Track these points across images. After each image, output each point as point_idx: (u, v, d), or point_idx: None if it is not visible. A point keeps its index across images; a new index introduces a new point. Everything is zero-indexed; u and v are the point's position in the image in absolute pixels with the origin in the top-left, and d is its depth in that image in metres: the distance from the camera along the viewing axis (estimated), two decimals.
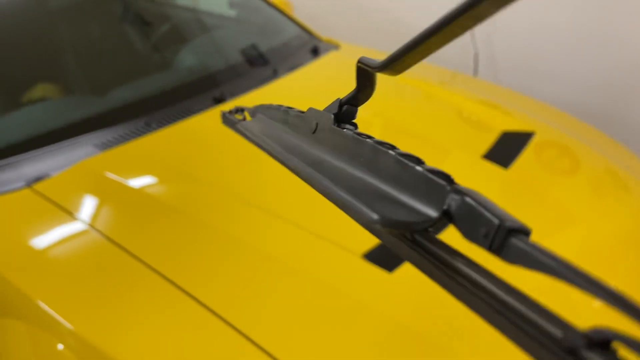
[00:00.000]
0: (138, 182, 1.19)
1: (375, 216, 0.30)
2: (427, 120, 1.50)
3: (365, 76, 0.39)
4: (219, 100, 1.47)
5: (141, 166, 1.25)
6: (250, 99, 1.49)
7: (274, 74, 1.64)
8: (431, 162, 1.16)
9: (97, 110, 1.42)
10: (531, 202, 1.20)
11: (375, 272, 0.92)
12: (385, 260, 0.95)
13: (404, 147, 1.27)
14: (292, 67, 1.70)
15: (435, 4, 2.50)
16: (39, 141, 1.28)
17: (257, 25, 2.05)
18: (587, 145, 1.42)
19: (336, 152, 0.40)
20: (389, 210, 0.31)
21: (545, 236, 1.12)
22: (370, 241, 0.98)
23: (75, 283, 0.96)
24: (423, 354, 0.83)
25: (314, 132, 0.44)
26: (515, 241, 0.26)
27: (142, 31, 1.83)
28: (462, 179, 1.07)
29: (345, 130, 0.40)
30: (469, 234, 0.28)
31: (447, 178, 0.31)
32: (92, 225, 1.04)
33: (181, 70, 1.69)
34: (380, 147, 0.35)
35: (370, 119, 1.47)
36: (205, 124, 1.39)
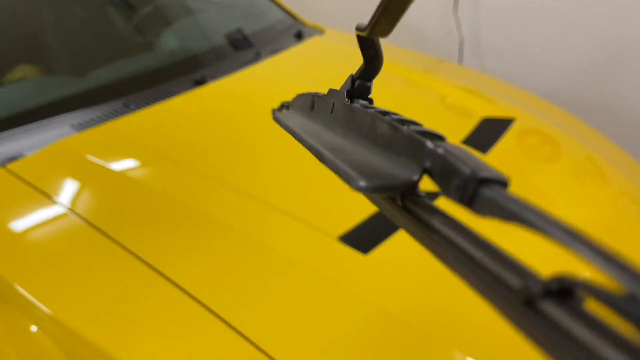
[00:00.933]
0: (115, 163, 1.17)
1: (361, 182, 0.30)
2: (409, 106, 1.50)
3: (368, 45, 0.39)
4: (200, 82, 1.46)
5: (118, 147, 1.23)
6: (231, 82, 1.48)
7: (257, 57, 1.63)
8: None
9: (74, 90, 1.40)
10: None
11: (351, 254, 0.92)
12: (361, 242, 0.95)
13: None
14: (275, 51, 1.68)
15: (438, 2, 2.49)
16: (14, 121, 1.26)
17: (241, 8, 2.02)
18: (567, 133, 1.43)
19: (346, 127, 0.40)
20: (377, 175, 0.31)
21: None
22: (347, 223, 0.99)
23: (51, 265, 0.95)
24: (400, 336, 0.83)
25: (331, 111, 0.45)
26: (485, 191, 0.26)
27: (124, 12, 1.81)
28: None
29: (353, 104, 0.40)
30: (446, 190, 0.28)
31: (437, 137, 0.31)
32: (69, 207, 1.03)
33: (162, 52, 1.67)
34: (378, 115, 0.36)
35: None
36: (185, 106, 1.37)
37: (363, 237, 0.96)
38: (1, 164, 1.13)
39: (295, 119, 0.50)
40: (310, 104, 0.50)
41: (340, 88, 0.44)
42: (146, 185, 1.12)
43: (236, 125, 1.32)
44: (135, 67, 1.54)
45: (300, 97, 0.55)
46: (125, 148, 1.23)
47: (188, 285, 0.86)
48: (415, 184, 0.30)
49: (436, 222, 0.29)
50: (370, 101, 0.42)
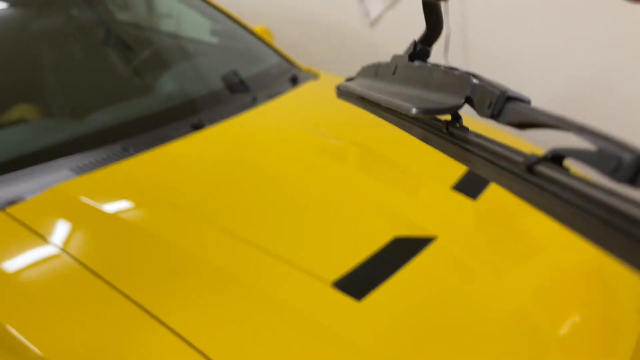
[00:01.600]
0: (112, 207, 1.20)
1: (414, 109, 0.41)
2: (404, 149, 1.53)
3: (431, 11, 0.48)
4: (198, 127, 1.49)
5: (116, 191, 1.26)
6: (228, 126, 1.52)
7: (253, 102, 1.67)
8: (408, 191, 1.20)
9: (74, 133, 1.44)
10: (498, 233, 1.23)
11: (344, 300, 0.94)
12: (355, 288, 0.97)
13: (382, 176, 1.31)
14: (271, 95, 1.73)
15: (410, 32, 2.58)
16: (14, 164, 1.28)
17: (237, 52, 2.08)
18: None
19: (404, 81, 0.49)
20: (427, 105, 0.42)
21: (511, 265, 1.15)
22: (341, 268, 1.01)
23: (45, 308, 0.96)
24: None
25: (393, 73, 0.53)
26: (511, 105, 0.35)
27: (123, 55, 1.86)
28: (433, 210, 1.11)
29: (413, 62, 0.49)
30: (481, 110, 0.38)
31: (477, 77, 0.42)
32: (65, 250, 1.05)
33: (161, 96, 1.72)
34: (434, 66, 0.46)
35: (348, 148, 1.51)
36: (183, 151, 1.40)
37: (357, 283, 0.98)
38: (1, 208, 1.15)
39: (359, 85, 0.58)
40: (373, 72, 0.57)
41: (404, 52, 0.53)
42: (142, 229, 1.14)
43: (232, 170, 1.35)
44: (134, 110, 1.58)
45: (364, 68, 0.62)
46: (123, 192, 1.25)
47: (181, 328, 0.87)
48: (459, 107, 0.40)
49: (471, 137, 0.40)
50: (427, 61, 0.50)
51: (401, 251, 1.07)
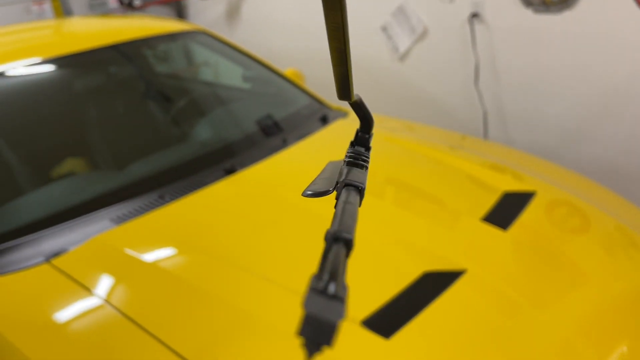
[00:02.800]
0: (151, 256, 1.24)
1: (307, 192, 0.49)
2: (435, 184, 1.53)
3: (356, 107, 0.54)
4: (230, 171, 1.54)
5: (154, 240, 1.30)
6: (259, 169, 1.56)
7: (284, 144, 1.71)
8: (438, 224, 1.20)
9: (114, 185, 1.50)
10: (533, 263, 1.20)
11: (373, 339, 0.94)
12: (383, 326, 0.96)
13: (412, 210, 1.31)
14: (301, 136, 1.77)
15: (438, 63, 2.58)
16: (58, 217, 1.35)
17: (269, 96, 2.15)
18: (590, 203, 1.43)
19: (340, 165, 0.55)
20: (318, 188, 0.49)
21: (550, 295, 1.12)
22: (370, 307, 1.01)
23: (90, 356, 0.99)
24: None
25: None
26: (344, 191, 0.45)
27: (160, 106, 1.94)
28: (463, 243, 1.11)
29: (349, 150, 0.55)
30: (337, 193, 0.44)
31: (361, 166, 0.50)
32: (107, 301, 1.09)
33: (194, 143, 1.78)
34: (347, 154, 0.53)
35: (378, 184, 1.52)
36: (217, 196, 1.45)
37: (386, 321, 0.98)
38: (47, 260, 1.22)
39: (333, 164, 0.63)
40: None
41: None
42: (179, 277, 1.17)
43: (265, 213, 1.38)
44: (169, 159, 1.64)
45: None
46: (160, 240, 1.30)
47: None
48: (330, 192, 0.48)
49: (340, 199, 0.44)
50: (368, 149, 0.56)
51: (431, 286, 1.07)
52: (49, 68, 1.74)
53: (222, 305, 1.07)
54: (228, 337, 1.00)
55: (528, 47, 2.28)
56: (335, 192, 0.49)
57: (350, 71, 0.44)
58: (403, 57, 2.74)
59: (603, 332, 1.06)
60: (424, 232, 1.27)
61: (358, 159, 0.52)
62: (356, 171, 0.48)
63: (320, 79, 2.95)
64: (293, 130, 1.81)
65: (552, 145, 2.35)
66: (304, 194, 0.48)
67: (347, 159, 0.51)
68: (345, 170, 0.48)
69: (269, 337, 0.99)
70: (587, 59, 2.13)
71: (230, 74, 2.31)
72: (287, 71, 2.27)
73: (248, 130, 1.80)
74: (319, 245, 1.22)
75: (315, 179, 0.54)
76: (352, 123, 1.91)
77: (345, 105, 2.09)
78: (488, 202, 1.35)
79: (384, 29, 2.75)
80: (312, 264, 1.19)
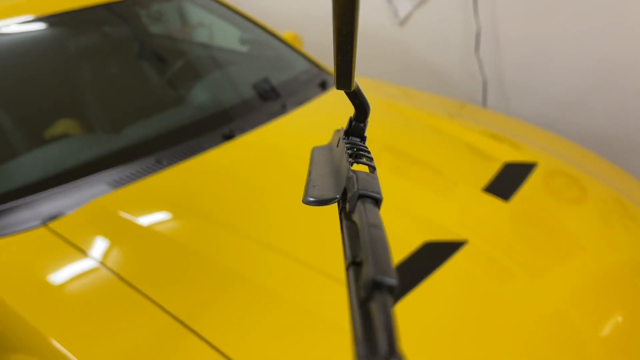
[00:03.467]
0: (147, 220, 1.23)
1: (309, 198, 0.41)
2: (434, 153, 1.52)
3: (352, 96, 0.47)
4: (229, 137, 1.52)
5: (151, 204, 1.29)
6: (258, 135, 1.54)
7: (283, 109, 1.69)
8: (438, 194, 1.19)
9: (110, 148, 1.48)
10: (533, 233, 1.21)
11: None
12: None
13: (413, 179, 1.30)
14: (301, 102, 1.74)
15: (439, 30, 2.54)
16: (55, 180, 1.33)
17: (267, 60, 2.11)
18: (590, 175, 1.43)
19: (337, 158, 0.49)
20: (323, 193, 0.42)
21: (549, 265, 1.13)
22: None
23: (86, 320, 1.00)
24: None
25: (337, 145, 0.53)
26: (359, 204, 0.34)
27: (156, 68, 1.90)
28: (464, 213, 1.10)
29: (344, 141, 0.49)
30: (347, 205, 0.37)
31: (372, 168, 0.42)
32: (103, 263, 1.09)
33: (192, 107, 1.75)
34: (346, 150, 0.45)
35: (381, 151, 1.51)
36: (215, 161, 1.43)
37: None
38: (43, 223, 1.20)
39: (321, 151, 0.59)
40: (334, 138, 0.58)
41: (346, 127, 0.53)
42: (176, 241, 1.17)
43: (264, 179, 1.37)
44: (167, 123, 1.61)
45: (335, 132, 0.64)
46: (157, 205, 1.29)
47: (215, 338, 0.89)
48: (338, 200, 0.40)
49: (343, 225, 0.37)
50: (363, 139, 0.50)
51: (432, 256, 1.07)
52: (41, 26, 1.69)
53: (219, 269, 1.07)
54: (223, 299, 1.01)
55: (530, 15, 2.24)
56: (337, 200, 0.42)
57: (355, 58, 0.39)
58: (403, 22, 2.69)
59: (597, 302, 1.07)
60: (424, 202, 1.26)
61: (361, 157, 0.45)
62: (365, 175, 0.39)
63: (318, 43, 2.90)
64: (292, 95, 1.78)
65: (551, 115, 2.33)
66: (307, 202, 0.41)
67: (350, 159, 0.44)
68: (354, 176, 0.38)
69: (264, 300, 0.99)
70: (589, 29, 2.10)
71: (227, 36, 2.26)
72: (285, 34, 2.23)
73: (246, 95, 1.77)
74: (318, 212, 1.22)
75: (310, 175, 0.48)
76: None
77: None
78: (489, 172, 1.34)
79: None
80: (310, 230, 1.19)
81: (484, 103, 2.53)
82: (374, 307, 0.26)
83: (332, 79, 1.93)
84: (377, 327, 0.25)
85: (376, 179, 0.39)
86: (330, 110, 1.74)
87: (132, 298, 1.00)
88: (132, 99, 1.75)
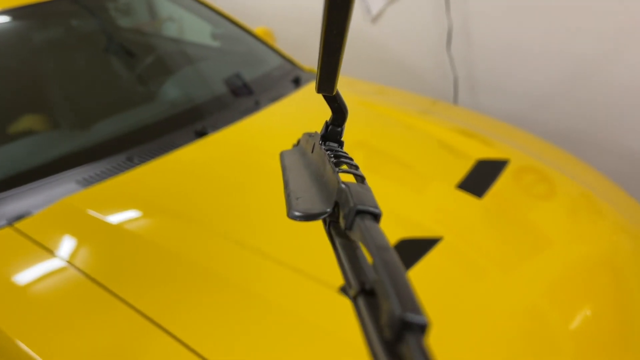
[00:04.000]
0: (118, 218, 1.20)
1: (295, 212, 0.38)
2: (406, 151, 1.53)
3: (331, 100, 0.45)
4: (201, 134, 1.49)
5: (122, 203, 1.26)
6: (232, 132, 1.52)
7: (256, 105, 1.67)
8: (413, 191, 1.19)
9: (79, 145, 1.44)
10: (506, 230, 1.22)
11: (350, 304, 0.94)
12: None
13: (387, 176, 1.30)
14: (275, 98, 1.73)
15: (411, 27, 2.55)
16: (21, 178, 1.29)
17: (239, 55, 2.08)
18: (560, 171, 1.46)
19: (315, 165, 0.47)
20: (309, 206, 0.38)
21: (520, 261, 1.15)
22: None
23: (54, 321, 0.97)
24: None
25: (312, 151, 0.51)
26: (358, 220, 0.32)
27: (125, 62, 1.86)
28: (439, 209, 1.10)
29: (321, 146, 0.46)
30: (341, 220, 0.34)
31: (359, 177, 0.39)
32: (71, 263, 1.06)
33: (164, 103, 1.72)
34: (328, 157, 0.42)
35: (354, 148, 1.50)
36: (187, 158, 1.41)
37: None
38: (9, 223, 1.16)
39: (291, 156, 0.56)
40: (305, 143, 0.56)
41: (321, 132, 0.50)
42: (147, 240, 1.14)
43: (237, 177, 1.35)
44: (138, 119, 1.58)
45: (303, 136, 0.61)
46: (128, 203, 1.26)
47: (186, 336, 0.88)
48: (326, 214, 0.37)
49: (338, 243, 0.35)
50: (341, 144, 0.48)
51: (408, 253, 1.07)
52: (5, 19, 1.64)
53: (191, 267, 1.06)
54: (196, 297, 0.99)
55: (501, 13, 2.27)
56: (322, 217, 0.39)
57: (342, 60, 0.37)
58: (375, 19, 2.70)
59: (567, 295, 1.10)
60: (399, 199, 1.27)
61: (347, 165, 0.42)
62: (358, 187, 0.36)
63: (291, 39, 2.89)
64: (265, 91, 1.77)
65: (521, 112, 2.37)
66: (293, 217, 0.38)
67: (336, 168, 0.40)
68: (347, 189, 0.35)
69: (237, 297, 0.98)
70: (558, 28, 2.14)
71: (198, 31, 2.22)
72: (258, 30, 2.21)
73: (219, 91, 1.75)
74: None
75: (289, 185, 0.44)
76: None
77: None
78: (462, 169, 1.35)
79: None
80: (283, 227, 1.18)
81: (455, 100, 2.56)
82: (407, 351, 0.24)
83: (305, 75, 1.92)
84: None
85: (370, 190, 0.36)
86: (304, 107, 1.73)
87: (102, 298, 0.97)
88: (102, 95, 1.71)
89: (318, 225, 1.11)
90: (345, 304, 0.95)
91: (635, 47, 1.99)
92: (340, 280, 0.99)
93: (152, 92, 1.79)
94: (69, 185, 1.28)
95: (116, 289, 0.98)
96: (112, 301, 0.96)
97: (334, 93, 0.41)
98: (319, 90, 0.41)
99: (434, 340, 0.90)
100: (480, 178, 1.32)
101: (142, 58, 1.90)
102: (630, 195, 1.51)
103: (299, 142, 0.63)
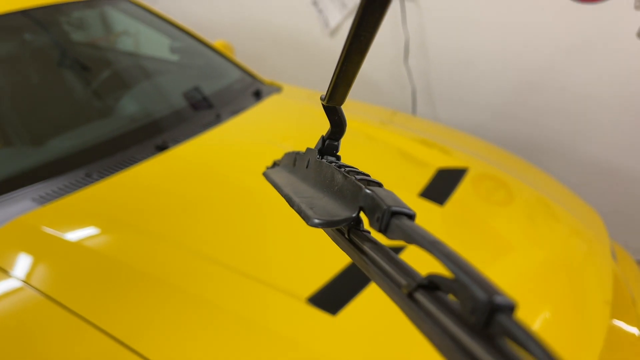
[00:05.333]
0: (77, 235, 1.17)
1: (315, 220, 0.38)
2: (368, 160, 1.55)
3: (332, 112, 0.46)
4: (162, 148, 1.47)
5: (81, 219, 1.23)
6: (193, 146, 1.51)
7: (217, 119, 1.66)
8: None
9: (35, 162, 1.40)
10: (467, 236, 1.25)
11: (320, 315, 0.94)
12: (329, 302, 0.97)
13: None
14: (235, 111, 1.72)
15: (388, 55, 2.60)
16: None
17: (198, 69, 2.07)
18: (517, 178, 1.51)
19: (315, 178, 0.48)
20: (327, 214, 0.39)
21: (481, 266, 1.17)
22: (315, 284, 1.01)
23: (10, 343, 0.93)
24: None
25: (307, 166, 0.51)
26: (395, 221, 0.33)
27: (81, 77, 1.82)
28: None
29: (323, 160, 0.47)
30: (372, 223, 0.36)
31: (375, 183, 0.39)
32: (27, 282, 1.02)
33: (122, 118, 1.69)
34: (336, 167, 0.43)
35: None
36: (147, 173, 1.38)
37: (331, 297, 0.98)
38: None
39: (280, 174, 0.57)
40: (292, 161, 0.57)
41: (315, 147, 0.51)
42: (107, 256, 1.12)
43: (199, 190, 1.34)
44: (95, 134, 1.55)
45: (286, 155, 0.62)
46: (88, 220, 1.23)
47: (155, 356, 0.86)
48: (354, 219, 0.38)
49: (367, 248, 0.37)
50: (338, 157, 0.49)
51: None
52: None
53: (155, 282, 1.03)
54: (159, 314, 0.97)
55: (456, 26, 2.34)
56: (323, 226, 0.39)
57: (358, 71, 0.38)
58: (334, 33, 2.73)
59: (527, 299, 1.13)
60: None
61: (355, 174, 0.42)
62: (384, 191, 0.37)
63: (252, 51, 2.89)
64: (226, 105, 1.76)
65: (478, 121, 2.44)
66: (314, 224, 0.38)
67: (350, 176, 0.41)
68: (373, 193, 0.36)
69: (201, 312, 0.96)
70: (511, 39, 2.22)
71: (156, 45, 2.20)
72: (217, 43, 2.20)
73: (179, 105, 1.73)
74: (253, 222, 1.19)
75: (292, 197, 0.44)
76: (285, 99, 1.89)
77: (278, 80, 2.05)
78: (423, 178, 1.38)
79: (315, 2, 2.72)
80: (249, 240, 1.16)
81: (414, 111, 2.61)
82: (504, 329, 0.24)
83: (266, 88, 1.93)
84: (530, 346, 0.23)
85: (393, 193, 0.37)
86: (266, 119, 1.73)
87: (62, 317, 0.94)
88: (58, 110, 1.66)
89: (284, 236, 1.11)
90: (313, 314, 0.95)
91: (585, 59, 2.08)
92: (308, 291, 0.99)
93: (110, 107, 1.76)
94: (24, 203, 1.24)
95: (77, 308, 0.95)
96: (73, 321, 0.93)
97: (342, 104, 0.42)
98: (329, 100, 0.41)
99: (401, 348, 0.91)
100: (441, 186, 1.34)
101: (99, 72, 1.87)
102: (583, 200, 1.57)
103: (279, 162, 0.64)
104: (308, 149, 0.53)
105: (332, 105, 0.43)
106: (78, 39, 2.01)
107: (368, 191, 0.37)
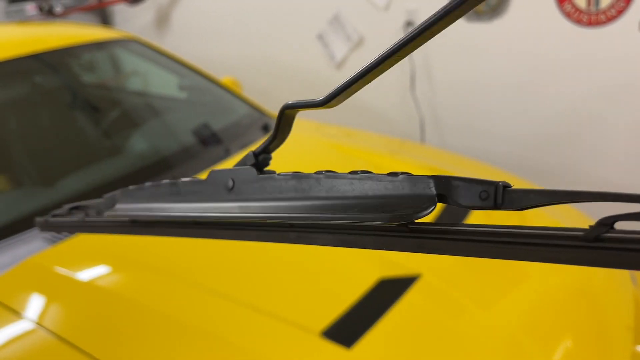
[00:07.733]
0: (88, 275, 1.17)
1: (387, 216, 0.39)
2: None
3: (288, 120, 0.46)
4: None
5: (92, 258, 1.23)
6: None
7: (226, 153, 1.67)
8: None
9: (46, 202, 1.41)
10: (481, 265, 1.23)
11: (334, 350, 0.92)
12: (344, 335, 0.95)
13: None
14: (244, 145, 1.73)
15: (395, 86, 2.62)
16: None
17: (207, 106, 2.09)
18: None
19: (279, 194, 0.45)
20: (409, 208, 0.40)
21: (497, 295, 1.15)
22: (328, 317, 0.99)
23: None
24: None
25: (231, 189, 0.48)
26: (512, 193, 0.36)
27: (91, 118, 1.85)
28: None
29: (277, 175, 0.45)
30: (465, 203, 0.38)
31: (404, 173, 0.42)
32: (40, 324, 1.01)
33: (132, 157, 1.71)
34: (330, 174, 0.44)
35: None
36: None
37: (346, 330, 0.96)
38: None
39: (145, 209, 0.51)
40: (169, 191, 0.52)
41: (235, 166, 0.48)
42: (120, 295, 1.11)
43: None
44: (105, 173, 1.56)
45: (136, 189, 0.56)
46: (99, 259, 1.22)
47: None
48: (433, 208, 0.39)
49: (462, 227, 0.40)
50: (272, 171, 0.47)
51: (388, 293, 1.06)
52: None
53: (165, 321, 1.02)
54: (173, 352, 0.95)
55: (461, 54, 2.35)
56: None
57: (361, 87, 0.42)
58: (340, 66, 2.76)
59: (546, 327, 1.10)
60: None
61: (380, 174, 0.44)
62: (448, 176, 0.40)
63: (258, 86, 2.92)
64: (234, 140, 1.77)
65: (487, 148, 2.43)
66: (419, 217, 0.39)
67: (392, 175, 0.43)
68: (451, 178, 0.39)
69: (214, 349, 0.95)
70: (515, 67, 2.23)
71: (165, 83, 2.23)
72: (224, 79, 2.23)
73: (187, 142, 1.74)
74: (263, 255, 1.17)
75: (329, 213, 0.43)
76: (293, 131, 1.89)
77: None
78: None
79: (320, 37, 2.76)
80: (256, 273, 1.15)
81: (423, 140, 2.61)
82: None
83: (273, 122, 1.94)
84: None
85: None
86: (275, 153, 1.73)
87: (73, 358, 0.93)
88: (68, 151, 1.68)
89: (296, 270, 1.09)
90: (327, 348, 0.93)
91: (593, 81, 2.08)
92: (322, 324, 0.97)
93: (120, 146, 1.77)
94: (35, 243, 1.24)
95: (90, 349, 0.94)
96: None
97: (333, 106, 0.42)
98: (329, 102, 0.43)
99: None
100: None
101: (108, 113, 1.89)
102: None
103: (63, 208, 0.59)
104: (216, 172, 0.50)
105: (326, 108, 0.44)
106: (88, 81, 2.05)
107: (444, 180, 0.38)
